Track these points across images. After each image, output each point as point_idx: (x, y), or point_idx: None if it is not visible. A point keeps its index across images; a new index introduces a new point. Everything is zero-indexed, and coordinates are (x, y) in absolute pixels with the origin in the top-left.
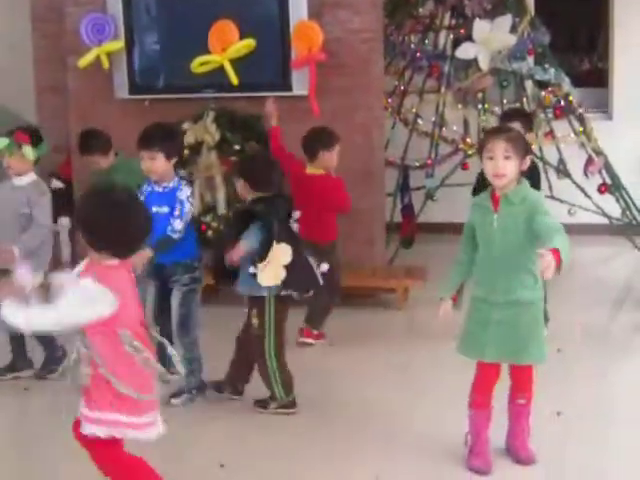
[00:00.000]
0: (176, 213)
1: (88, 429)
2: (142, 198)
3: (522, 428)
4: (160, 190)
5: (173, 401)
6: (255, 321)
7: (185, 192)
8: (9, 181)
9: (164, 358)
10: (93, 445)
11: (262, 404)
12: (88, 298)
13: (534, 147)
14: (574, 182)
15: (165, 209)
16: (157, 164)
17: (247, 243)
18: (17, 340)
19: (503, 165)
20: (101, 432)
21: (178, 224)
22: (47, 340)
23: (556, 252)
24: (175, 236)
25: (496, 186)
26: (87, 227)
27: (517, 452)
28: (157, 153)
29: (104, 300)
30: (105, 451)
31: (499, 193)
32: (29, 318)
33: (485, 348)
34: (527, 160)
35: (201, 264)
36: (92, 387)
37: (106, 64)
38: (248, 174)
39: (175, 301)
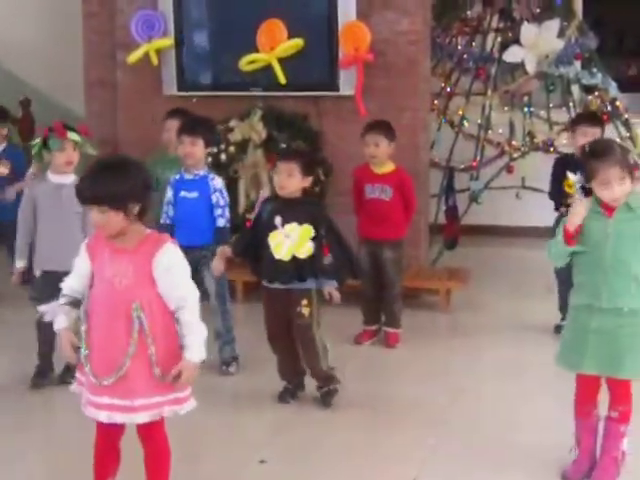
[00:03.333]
0: (221, 203)
1: (144, 417)
2: (170, 187)
3: (608, 447)
4: (190, 177)
5: (231, 369)
6: (306, 310)
7: (219, 181)
8: (46, 181)
9: None
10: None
11: (329, 397)
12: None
13: None
14: None
15: (194, 194)
16: (197, 149)
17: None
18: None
19: (620, 190)
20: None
21: (227, 212)
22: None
23: None
24: (228, 225)
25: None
26: (133, 196)
27: (594, 472)
28: (198, 139)
29: None
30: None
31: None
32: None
33: (584, 359)
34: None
35: None
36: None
37: (155, 60)
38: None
39: (210, 281)
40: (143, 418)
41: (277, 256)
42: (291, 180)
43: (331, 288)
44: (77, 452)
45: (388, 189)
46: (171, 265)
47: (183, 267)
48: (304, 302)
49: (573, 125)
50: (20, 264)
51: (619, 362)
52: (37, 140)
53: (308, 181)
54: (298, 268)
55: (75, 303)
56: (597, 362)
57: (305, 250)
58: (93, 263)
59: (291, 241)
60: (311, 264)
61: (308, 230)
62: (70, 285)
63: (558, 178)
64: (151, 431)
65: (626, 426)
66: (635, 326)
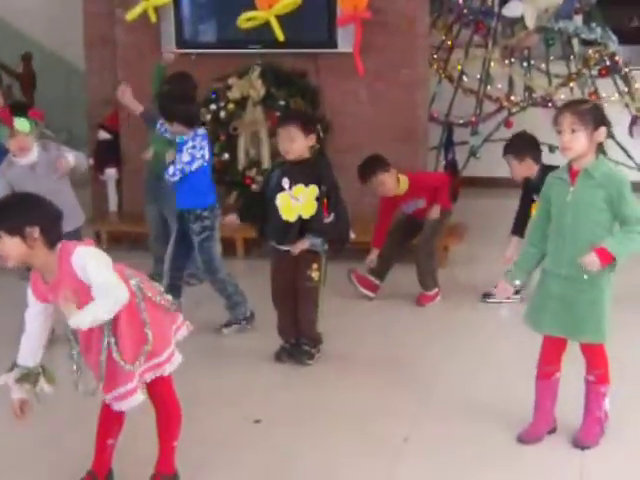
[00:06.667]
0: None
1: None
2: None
3: (590, 408)
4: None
5: (224, 330)
6: (315, 274)
7: (189, 143)
8: (14, 164)
9: None
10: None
11: (308, 356)
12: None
13: None
14: (616, 142)
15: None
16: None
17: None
18: None
19: (569, 139)
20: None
21: (171, 169)
22: None
23: (602, 251)
24: (168, 178)
25: (567, 159)
26: (28, 219)
27: (577, 432)
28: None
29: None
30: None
31: (577, 167)
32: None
33: (542, 321)
34: (601, 131)
35: (213, 213)
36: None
37: (154, 18)
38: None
39: (196, 250)
40: (138, 399)
41: (284, 217)
42: (294, 144)
43: (302, 245)
44: (83, 413)
45: (420, 200)
46: (84, 265)
47: (94, 264)
48: (314, 266)
49: None
50: None
51: (580, 327)
52: None
53: (312, 139)
54: (301, 227)
55: (26, 375)
56: (558, 325)
57: (311, 210)
58: (48, 302)
59: (299, 202)
60: (312, 223)
61: (314, 190)
62: (23, 352)
63: None
64: (159, 389)
65: (606, 387)
66: (594, 292)
